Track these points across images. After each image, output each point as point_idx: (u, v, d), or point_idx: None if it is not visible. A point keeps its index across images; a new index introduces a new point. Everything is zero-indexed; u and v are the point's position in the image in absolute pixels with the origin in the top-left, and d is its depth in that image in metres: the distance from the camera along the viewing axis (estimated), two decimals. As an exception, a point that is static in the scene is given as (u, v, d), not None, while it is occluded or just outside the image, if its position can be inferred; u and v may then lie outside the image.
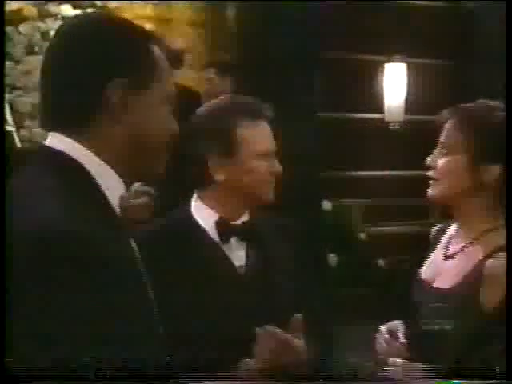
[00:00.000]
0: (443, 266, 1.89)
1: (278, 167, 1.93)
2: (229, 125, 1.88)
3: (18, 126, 4.94)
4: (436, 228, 2.04)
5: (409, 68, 5.44)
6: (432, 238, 2.03)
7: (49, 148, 1.22)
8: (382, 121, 5.47)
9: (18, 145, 4.68)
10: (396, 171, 5.54)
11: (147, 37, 1.27)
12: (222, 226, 1.89)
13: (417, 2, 5.53)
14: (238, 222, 1.92)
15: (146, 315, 1.19)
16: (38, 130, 5.00)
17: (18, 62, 5.06)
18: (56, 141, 1.22)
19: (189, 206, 1.95)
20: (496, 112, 1.87)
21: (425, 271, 1.94)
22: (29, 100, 5.02)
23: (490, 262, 1.77)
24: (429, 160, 1.91)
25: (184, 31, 5.30)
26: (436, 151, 1.91)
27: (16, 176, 1.22)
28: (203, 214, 1.91)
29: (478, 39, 5.54)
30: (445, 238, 1.96)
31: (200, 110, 1.96)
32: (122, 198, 1.24)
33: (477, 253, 1.82)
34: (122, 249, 1.18)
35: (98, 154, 1.21)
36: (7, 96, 4.81)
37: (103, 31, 1.25)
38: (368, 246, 5.28)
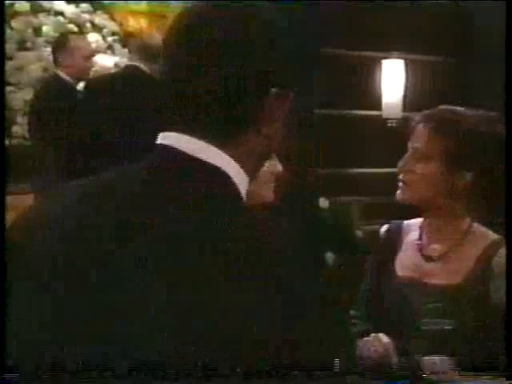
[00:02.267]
0: (427, 267, 1.93)
1: (278, 167, 1.88)
2: None
3: (11, 122, 4.90)
4: (386, 227, 2.08)
5: (407, 64, 5.37)
6: (385, 238, 2.05)
7: (193, 157, 1.08)
8: (379, 118, 5.39)
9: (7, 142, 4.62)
10: (394, 169, 5.48)
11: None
12: None
13: (416, 2, 5.46)
14: None
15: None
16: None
17: (10, 58, 5.00)
18: (197, 147, 1.09)
19: None
20: (468, 118, 1.91)
21: (403, 271, 1.96)
22: (21, 96, 4.97)
23: (497, 258, 1.85)
24: (401, 164, 1.95)
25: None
26: (408, 156, 1.94)
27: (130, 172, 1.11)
28: None
29: (478, 39, 5.51)
30: (410, 238, 1.99)
31: None
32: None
33: (471, 250, 1.90)
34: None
35: (241, 164, 1.12)
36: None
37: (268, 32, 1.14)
38: (366, 245, 5.08)
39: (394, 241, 2.04)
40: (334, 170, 5.29)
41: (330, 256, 5.13)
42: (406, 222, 2.08)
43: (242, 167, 1.12)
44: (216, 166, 1.08)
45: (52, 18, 5.06)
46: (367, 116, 5.43)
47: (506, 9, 3.25)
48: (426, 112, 1.97)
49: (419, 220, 2.02)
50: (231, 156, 1.10)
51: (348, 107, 5.37)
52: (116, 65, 5.05)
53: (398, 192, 1.97)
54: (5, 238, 1.08)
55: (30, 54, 4.99)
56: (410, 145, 1.97)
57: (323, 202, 5.18)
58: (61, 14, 5.06)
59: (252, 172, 1.15)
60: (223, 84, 1.07)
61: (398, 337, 1.88)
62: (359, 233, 5.28)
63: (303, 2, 4.74)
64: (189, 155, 1.07)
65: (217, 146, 1.09)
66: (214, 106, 1.08)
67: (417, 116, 1.98)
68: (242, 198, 1.11)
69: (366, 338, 1.89)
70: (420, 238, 1.99)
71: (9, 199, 2.28)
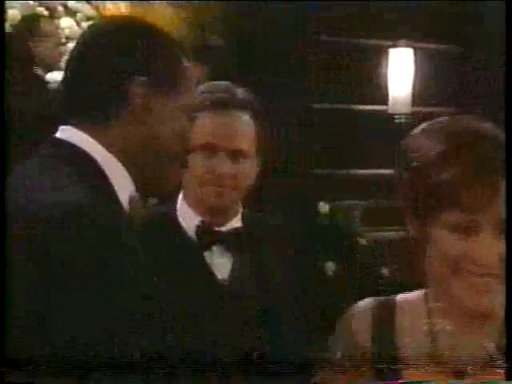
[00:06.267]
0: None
1: (218, 167, 1.78)
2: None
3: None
4: (375, 303, 1.72)
5: (416, 54, 5.16)
6: (377, 314, 1.72)
7: (62, 140, 1.31)
8: (385, 113, 5.21)
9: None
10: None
11: (179, 47, 1.38)
12: (203, 231, 1.83)
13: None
14: (224, 228, 1.84)
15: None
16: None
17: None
18: (69, 134, 1.32)
19: (175, 203, 1.90)
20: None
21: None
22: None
23: None
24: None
25: (164, 11, 5.15)
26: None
27: (25, 164, 1.31)
28: (186, 216, 1.86)
29: (477, 39, 5.50)
30: (411, 316, 1.77)
31: None
32: (131, 198, 1.32)
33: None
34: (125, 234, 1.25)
35: (111, 151, 1.30)
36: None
37: (130, 32, 1.37)
38: (370, 253, 5.15)
39: (388, 319, 1.65)
40: (335, 171, 5.22)
41: (330, 265, 5.08)
42: (398, 296, 1.68)
43: (112, 153, 1.30)
44: (84, 151, 1.29)
45: (19, 1, 4.90)
46: (372, 111, 5.35)
47: (506, 9, 3.26)
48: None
49: (416, 294, 1.64)
50: (100, 142, 1.30)
51: (351, 101, 5.29)
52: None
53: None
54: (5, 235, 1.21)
55: (-5, 41, 4.69)
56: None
57: (323, 207, 5.14)
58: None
59: (136, 167, 1.32)
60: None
61: None
62: (363, 240, 5.25)
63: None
64: (64, 141, 1.31)
65: (87, 133, 1.31)
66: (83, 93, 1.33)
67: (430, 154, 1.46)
68: (109, 182, 1.28)
69: None
70: (429, 317, 1.60)
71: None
